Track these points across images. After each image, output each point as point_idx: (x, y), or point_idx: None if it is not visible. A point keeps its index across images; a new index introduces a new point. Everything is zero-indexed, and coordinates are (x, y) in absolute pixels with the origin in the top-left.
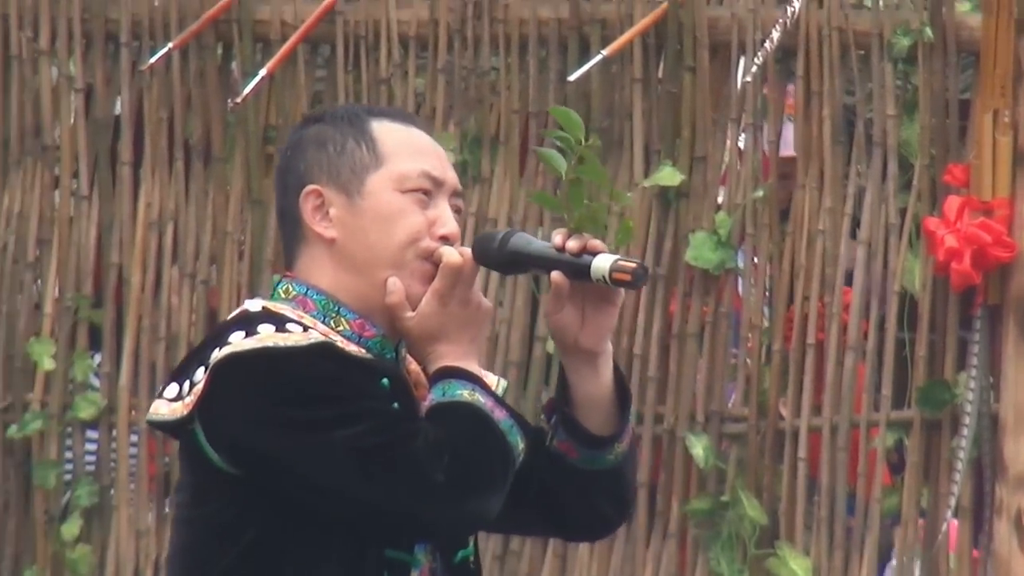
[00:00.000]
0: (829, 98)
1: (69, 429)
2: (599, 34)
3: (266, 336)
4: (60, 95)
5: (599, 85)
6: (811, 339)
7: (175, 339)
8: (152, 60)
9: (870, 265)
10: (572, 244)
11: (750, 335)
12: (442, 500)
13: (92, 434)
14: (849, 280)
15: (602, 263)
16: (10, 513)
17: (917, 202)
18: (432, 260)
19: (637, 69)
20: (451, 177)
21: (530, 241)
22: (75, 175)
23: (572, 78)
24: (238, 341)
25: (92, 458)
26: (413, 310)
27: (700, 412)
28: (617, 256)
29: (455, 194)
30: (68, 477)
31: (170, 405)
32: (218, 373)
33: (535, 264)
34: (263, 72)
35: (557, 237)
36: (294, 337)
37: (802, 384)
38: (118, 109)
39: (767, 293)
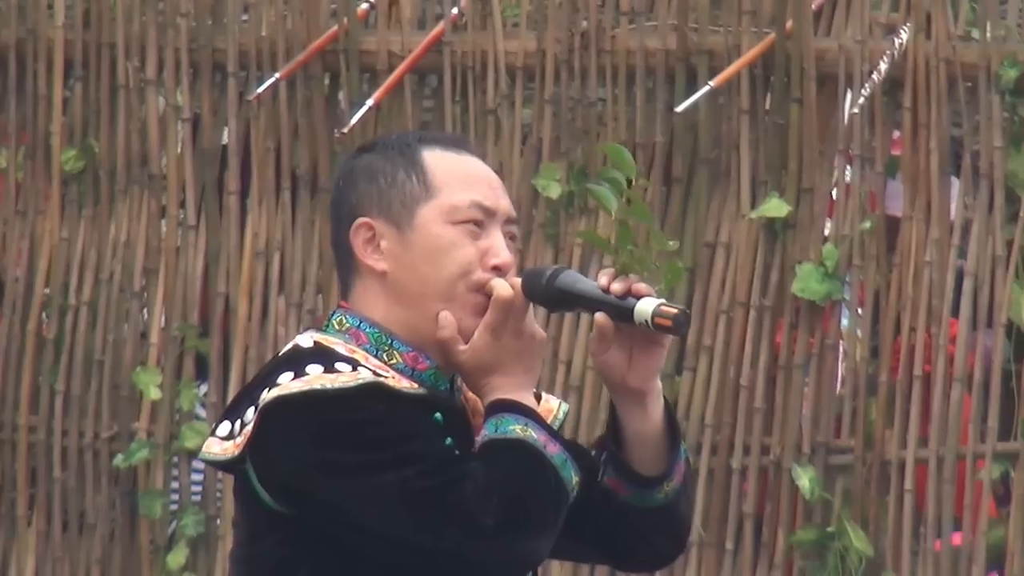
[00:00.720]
0: (936, 129)
1: (175, 459)
2: (707, 65)
3: (314, 378)
4: (167, 124)
5: (706, 116)
6: (918, 370)
7: None
8: (259, 90)
9: (976, 297)
10: (616, 287)
11: (856, 367)
12: (491, 543)
13: (198, 464)
14: (956, 311)
15: (645, 307)
16: (116, 542)
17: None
18: (484, 292)
19: (744, 100)
20: (504, 205)
21: (577, 280)
22: (182, 204)
23: (679, 109)
24: (286, 383)
25: (198, 488)
26: (466, 343)
27: (806, 443)
28: (661, 301)
29: (509, 221)
30: (174, 507)
31: (222, 444)
32: (267, 416)
33: (581, 304)
34: (370, 102)
35: (603, 278)
36: (343, 378)
37: (908, 415)
38: (225, 138)
39: (873, 324)
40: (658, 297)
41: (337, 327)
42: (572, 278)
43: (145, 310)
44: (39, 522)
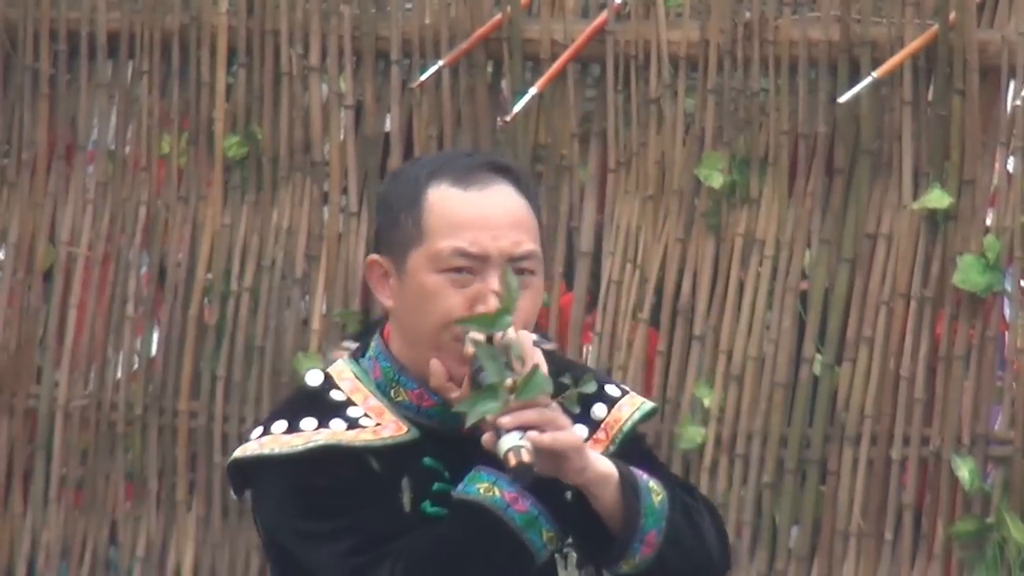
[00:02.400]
0: None
1: None
2: (869, 56)
3: (269, 441)
4: (330, 111)
5: (868, 107)
6: None
7: None
8: (422, 78)
9: None
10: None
11: (1016, 358)
12: None
13: None
14: None
15: (502, 444)
16: None
17: None
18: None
19: (907, 91)
20: (502, 248)
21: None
22: (344, 191)
23: (842, 100)
24: (249, 443)
25: None
26: (460, 386)
27: (966, 435)
28: (517, 444)
29: (515, 259)
30: None
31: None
32: (229, 476)
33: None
34: (533, 90)
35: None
36: (295, 441)
37: None
38: (388, 126)
39: None
40: (525, 432)
41: (370, 353)
42: (484, 377)
43: (307, 296)
44: (199, 508)
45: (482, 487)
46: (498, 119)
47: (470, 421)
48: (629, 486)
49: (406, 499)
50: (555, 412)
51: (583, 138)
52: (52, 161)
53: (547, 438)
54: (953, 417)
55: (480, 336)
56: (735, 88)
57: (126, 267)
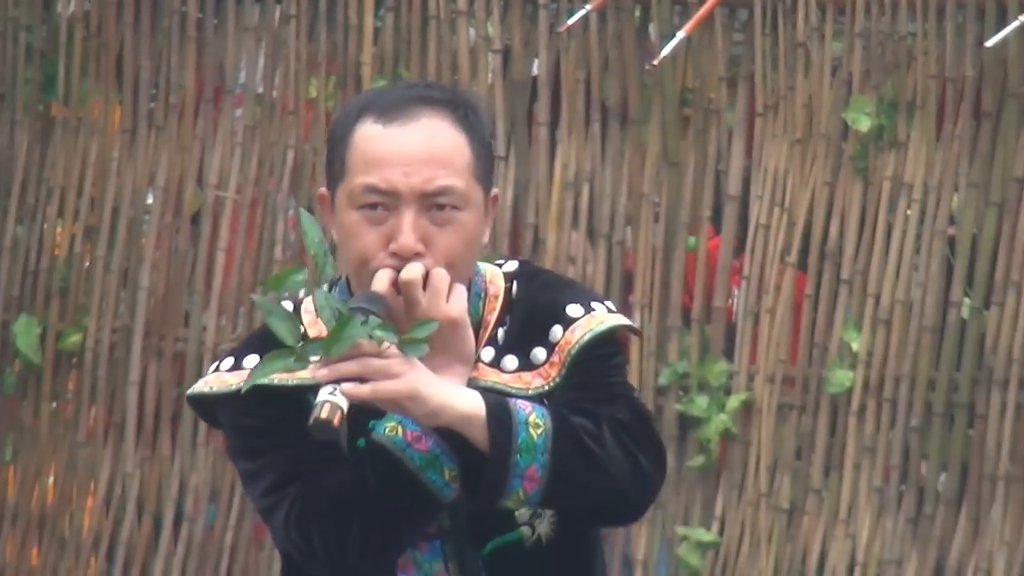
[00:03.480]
0: None
1: None
2: (1017, 0)
3: (213, 379)
4: (477, 56)
5: (1016, 51)
6: None
7: None
8: (570, 22)
9: None
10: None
11: None
12: (308, 560)
13: None
14: None
15: (318, 397)
16: None
17: None
18: None
19: None
20: (414, 184)
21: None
22: (492, 135)
23: (989, 43)
24: (203, 378)
25: None
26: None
27: None
28: (328, 399)
29: (429, 195)
30: None
31: None
32: (191, 407)
33: None
34: (681, 34)
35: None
36: (231, 380)
37: None
38: (535, 70)
39: None
40: (338, 385)
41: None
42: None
43: None
44: None
45: (388, 426)
46: (646, 63)
47: (251, 382)
48: (498, 423)
49: (342, 435)
50: (386, 360)
51: (731, 82)
52: (200, 105)
53: (365, 390)
54: None
55: (267, 297)
56: (882, 32)
57: (274, 211)
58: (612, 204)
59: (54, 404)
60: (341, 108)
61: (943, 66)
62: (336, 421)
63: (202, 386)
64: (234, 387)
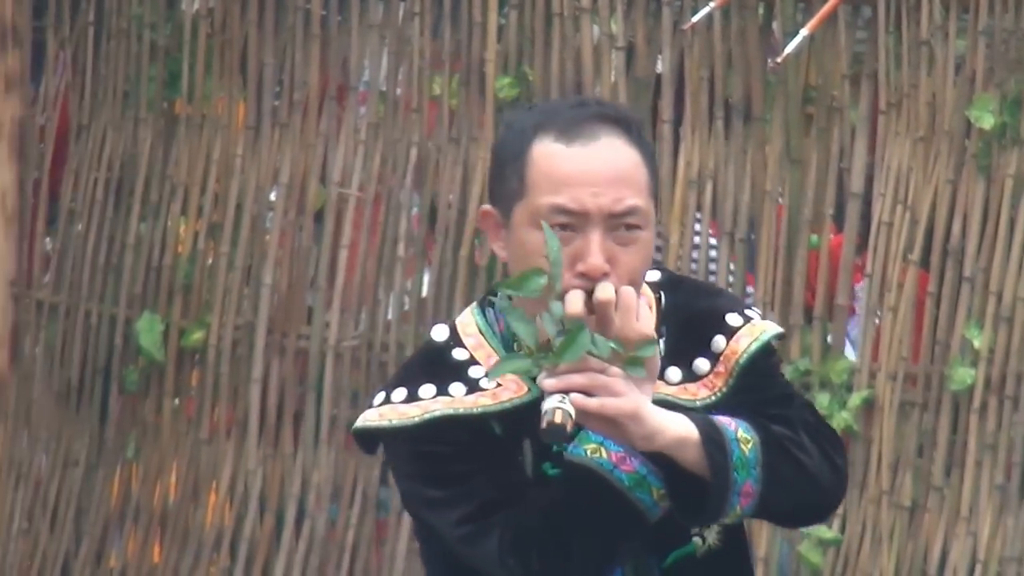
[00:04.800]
0: None
1: None
2: None
3: (388, 411)
4: (601, 53)
5: None
6: None
7: None
8: (694, 19)
9: None
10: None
11: None
12: None
13: None
14: None
15: (544, 404)
16: None
17: None
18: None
19: None
20: (602, 204)
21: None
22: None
23: None
24: (370, 411)
25: None
26: None
27: None
28: (559, 406)
29: (616, 216)
30: None
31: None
32: (355, 439)
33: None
34: (804, 32)
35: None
36: (412, 412)
37: None
38: (659, 67)
39: None
40: (567, 395)
41: (497, 302)
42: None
43: None
44: None
45: (589, 448)
46: (769, 60)
47: (492, 375)
48: (713, 444)
49: (527, 461)
50: (611, 378)
51: (854, 80)
52: (324, 102)
53: (594, 403)
54: None
55: (508, 298)
56: (1006, 29)
57: (397, 208)
58: (735, 201)
59: (176, 401)
60: (506, 125)
61: None
62: (569, 427)
63: (376, 418)
64: (416, 419)
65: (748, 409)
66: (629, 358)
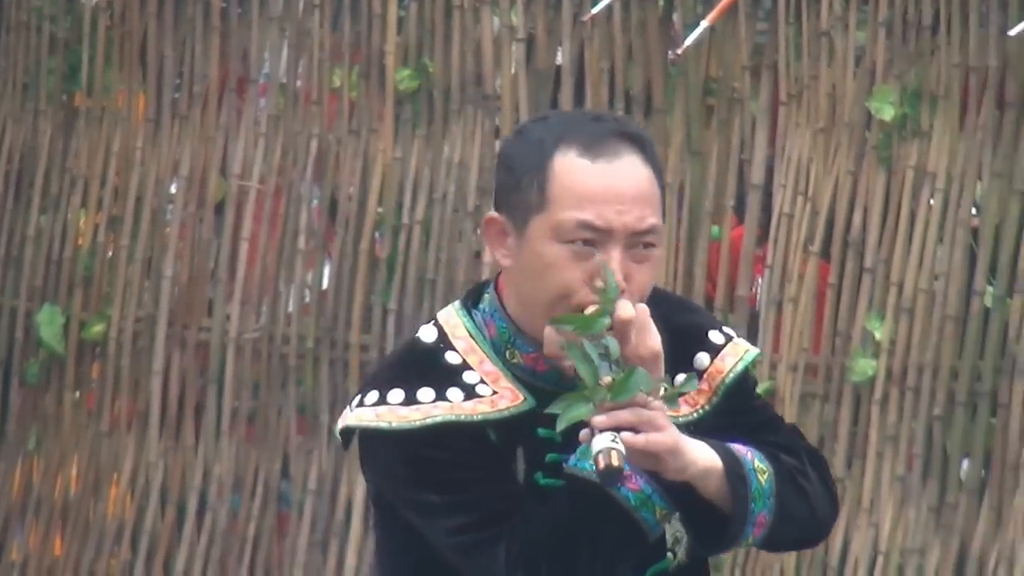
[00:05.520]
0: None
1: None
2: None
3: (387, 412)
4: (501, 45)
5: None
6: None
7: None
8: (594, 10)
9: None
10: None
11: None
12: None
13: None
14: None
15: (596, 444)
16: None
17: None
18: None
19: None
20: (625, 222)
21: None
22: (516, 124)
23: (1013, 33)
24: (363, 410)
25: None
26: None
27: None
28: (608, 446)
29: (638, 234)
30: None
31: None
32: (343, 442)
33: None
34: (704, 23)
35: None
36: (413, 415)
37: None
38: (559, 59)
39: None
40: (619, 433)
41: (483, 307)
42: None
43: (478, 230)
44: None
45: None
46: (669, 52)
47: (561, 425)
48: (735, 475)
49: (520, 469)
50: (653, 412)
51: (754, 71)
52: (224, 94)
53: (640, 440)
54: None
55: (573, 337)
56: (906, 21)
57: (297, 200)
58: None
59: (77, 394)
60: (518, 134)
61: (967, 55)
62: (622, 467)
63: (373, 419)
64: (418, 423)
65: (743, 434)
66: (670, 393)
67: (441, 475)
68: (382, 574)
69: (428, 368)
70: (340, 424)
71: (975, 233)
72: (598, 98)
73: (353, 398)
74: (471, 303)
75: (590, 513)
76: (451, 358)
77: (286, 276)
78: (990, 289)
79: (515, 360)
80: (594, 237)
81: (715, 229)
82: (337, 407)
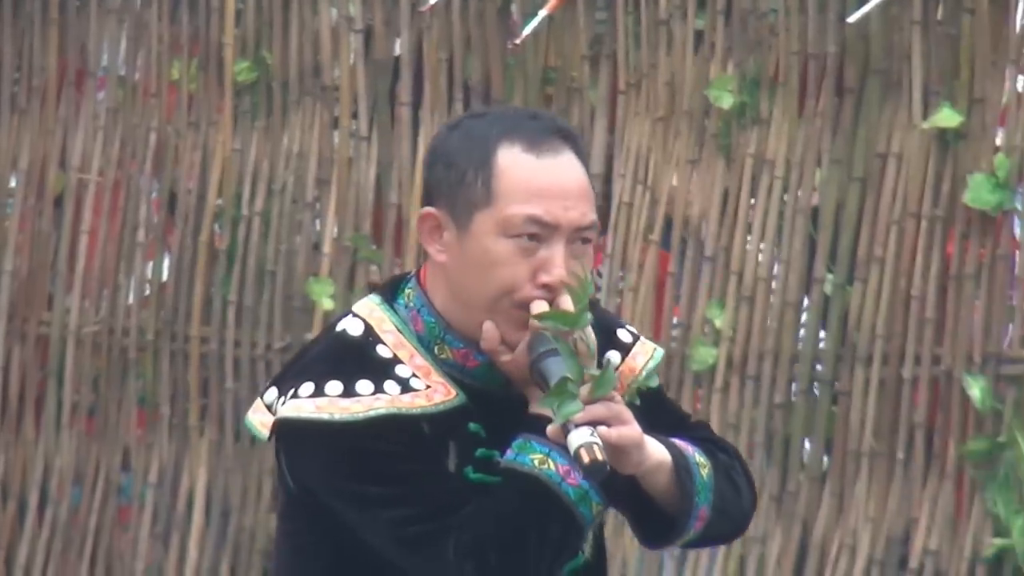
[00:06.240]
0: None
1: None
2: None
3: (327, 404)
4: (340, 36)
5: (878, 27)
6: None
7: None
8: (432, 1)
9: None
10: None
11: None
12: None
13: None
14: None
15: (573, 440)
16: None
17: None
18: (529, 309)
19: (916, 11)
20: (572, 217)
21: (556, 373)
22: (354, 115)
23: (852, 19)
24: (300, 401)
25: None
26: (512, 351)
27: (977, 353)
28: (590, 440)
29: (581, 229)
30: None
31: (262, 416)
32: (279, 433)
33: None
34: (543, 13)
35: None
36: (356, 407)
37: None
38: (397, 49)
39: None
40: (595, 428)
41: (405, 301)
42: (555, 368)
43: (317, 221)
44: (211, 433)
45: (536, 458)
46: (508, 42)
47: (559, 422)
48: (683, 469)
49: (451, 464)
50: (620, 406)
51: (593, 60)
52: (62, 87)
53: (614, 434)
54: (964, 336)
55: (563, 334)
56: (745, 8)
57: (137, 193)
58: None
59: None
60: (454, 129)
61: (805, 42)
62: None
63: (312, 410)
64: (360, 415)
65: (665, 432)
66: (637, 385)
67: (384, 468)
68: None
69: (363, 361)
70: (277, 415)
71: (815, 220)
72: (436, 89)
73: (278, 390)
74: (389, 299)
75: (535, 509)
76: (382, 351)
77: (126, 269)
78: (830, 276)
79: (444, 355)
80: (540, 232)
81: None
82: (178, 400)
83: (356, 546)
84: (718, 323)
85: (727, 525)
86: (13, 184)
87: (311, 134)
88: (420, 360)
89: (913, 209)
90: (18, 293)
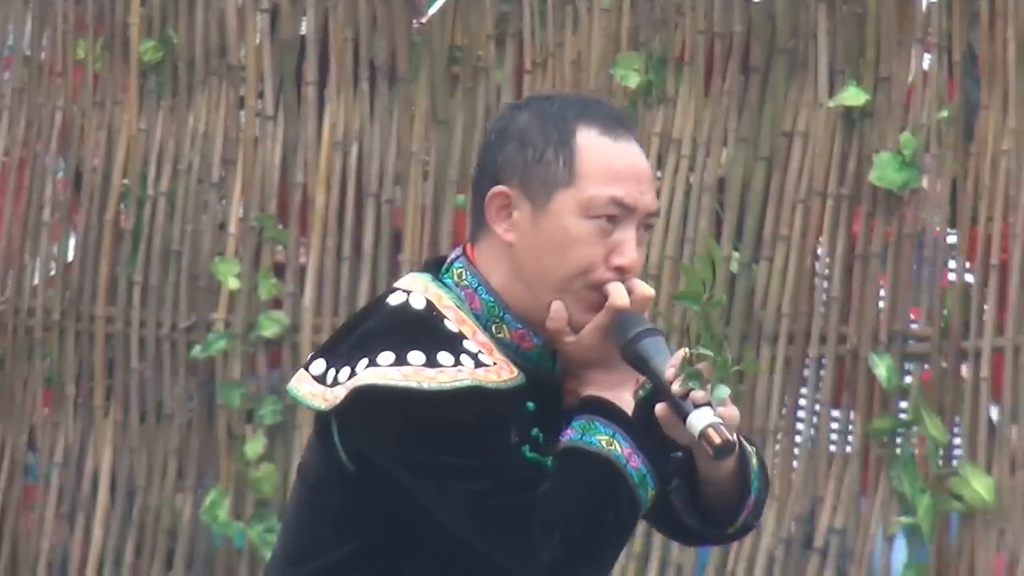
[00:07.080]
0: (1014, 19)
1: (252, 348)
2: None
3: (413, 372)
4: (246, 15)
5: (784, 6)
6: (995, 259)
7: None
8: None
9: None
10: (676, 388)
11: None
12: (543, 573)
13: None
14: None
15: (697, 421)
16: (193, 433)
17: None
18: (601, 291)
19: None
20: (646, 202)
21: (656, 353)
22: (260, 95)
23: None
24: (385, 367)
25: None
26: (575, 334)
27: (883, 332)
28: (714, 421)
29: (649, 215)
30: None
31: (312, 387)
32: (360, 398)
33: (650, 378)
34: None
35: (669, 370)
36: (442, 377)
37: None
38: (303, 29)
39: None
40: (716, 408)
41: (456, 280)
42: (653, 348)
43: (223, 200)
44: (116, 413)
45: (603, 439)
46: (414, 21)
47: (714, 400)
48: (744, 455)
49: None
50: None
51: (499, 39)
52: None
53: (737, 414)
54: (870, 315)
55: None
56: None
57: (42, 172)
58: (381, 162)
59: None
60: (526, 110)
61: (711, 21)
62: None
63: (399, 378)
64: (447, 385)
65: None
66: (748, 364)
67: (465, 440)
68: (318, 549)
69: (437, 333)
70: (357, 382)
71: (721, 198)
72: (342, 68)
73: (326, 362)
74: (439, 277)
75: (605, 488)
76: (450, 326)
77: (31, 248)
78: (736, 255)
79: (500, 335)
80: (619, 214)
81: (460, 198)
82: (83, 380)
83: (403, 521)
84: None
85: (753, 519)
86: None
87: (217, 114)
88: (482, 337)
89: (819, 188)
90: None
